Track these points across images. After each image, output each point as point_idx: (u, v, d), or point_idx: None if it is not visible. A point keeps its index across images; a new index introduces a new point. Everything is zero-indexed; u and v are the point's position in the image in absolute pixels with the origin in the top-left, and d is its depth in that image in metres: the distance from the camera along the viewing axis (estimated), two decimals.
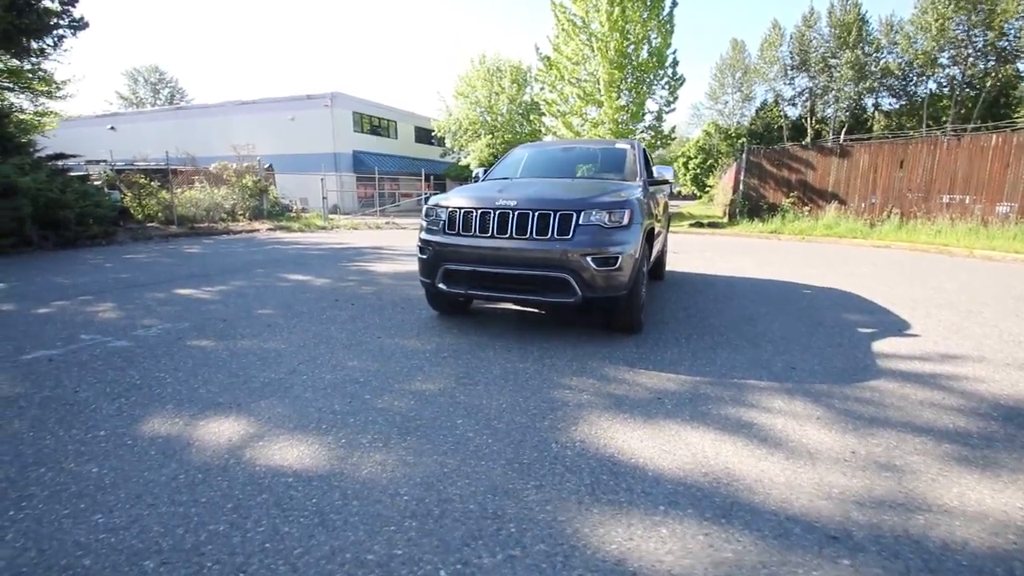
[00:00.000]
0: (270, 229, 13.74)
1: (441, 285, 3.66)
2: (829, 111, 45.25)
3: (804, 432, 2.26)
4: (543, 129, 20.26)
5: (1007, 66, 37.09)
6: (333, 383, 2.76)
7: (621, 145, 4.97)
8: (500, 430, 2.23)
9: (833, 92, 44.17)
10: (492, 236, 3.43)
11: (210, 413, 2.37)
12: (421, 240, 3.80)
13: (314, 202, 18.92)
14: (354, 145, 26.59)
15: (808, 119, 44.78)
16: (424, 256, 3.74)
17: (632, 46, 17.04)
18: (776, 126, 46.29)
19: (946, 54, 38.42)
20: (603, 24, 16.47)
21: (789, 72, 45.11)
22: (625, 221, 3.36)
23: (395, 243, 10.93)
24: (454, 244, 3.55)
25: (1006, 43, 36.08)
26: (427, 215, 3.86)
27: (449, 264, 3.57)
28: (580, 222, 3.29)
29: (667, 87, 18.25)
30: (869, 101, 43.40)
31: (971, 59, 38.16)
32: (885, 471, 1.95)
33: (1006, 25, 35.67)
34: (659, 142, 18.86)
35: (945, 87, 40.52)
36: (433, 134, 29.77)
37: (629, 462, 1.98)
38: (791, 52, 44.40)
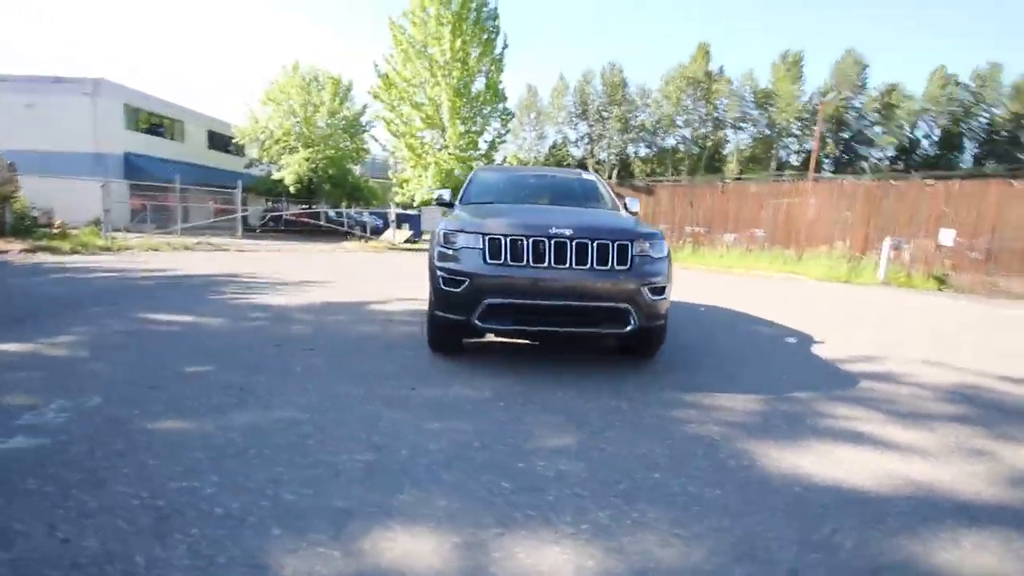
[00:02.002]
0: (26, 250, 10.05)
1: (478, 321, 3.23)
2: (604, 155, 53.75)
3: (896, 433, 2.66)
4: (384, 148, 19.42)
5: (719, 132, 49.52)
6: (453, 454, 2.19)
7: (587, 176, 5.14)
8: (704, 478, 2.08)
9: (606, 139, 52.73)
10: (549, 267, 3.19)
11: (367, 529, 1.65)
12: (447, 271, 3.30)
13: (65, 214, 14.53)
14: (126, 145, 21.28)
15: (589, 160, 52.43)
16: (456, 289, 3.25)
17: (470, 77, 17.69)
18: (565, 164, 52.92)
19: (681, 118, 49.47)
20: (444, 53, 16.74)
21: (573, 118, 52.41)
22: (665, 252, 3.48)
23: (243, 268, 9.07)
24: (502, 276, 3.18)
25: (718, 114, 48.30)
26: (447, 242, 3.38)
27: (494, 298, 3.17)
28: (634, 252, 3.29)
29: (500, 120, 19.37)
30: (632, 149, 52.97)
31: (696, 123, 49.88)
32: (981, 455, 2.43)
33: (718, 101, 47.79)
34: None
35: (681, 143, 51.93)
36: (233, 141, 25.74)
37: (859, 488, 2.05)
38: (575, 102, 51.72)
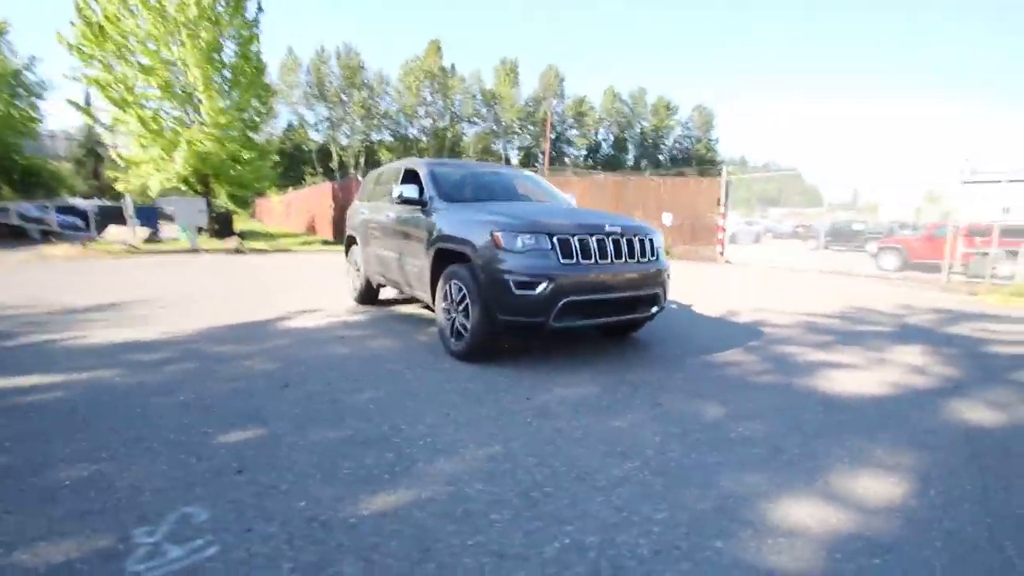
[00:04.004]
0: None
1: (553, 322, 3.27)
2: (346, 140, 51.45)
3: (834, 357, 3.94)
4: (95, 119, 14.32)
5: (456, 125, 53.01)
6: (682, 445, 2.37)
7: (529, 173, 5.30)
8: (832, 411, 2.83)
9: (348, 124, 50.56)
10: (612, 262, 3.44)
11: (770, 511, 1.78)
12: (521, 273, 3.20)
13: None
14: None
15: (332, 146, 49.43)
16: (532, 292, 3.20)
17: (224, 40, 14.81)
18: (306, 148, 48.63)
19: (423, 109, 51.09)
20: (187, 6, 13.52)
21: (310, 99, 48.33)
22: (661, 242, 4.11)
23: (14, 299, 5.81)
24: (579, 274, 3.29)
25: (455, 109, 51.58)
26: (508, 245, 3.26)
27: (571, 296, 3.27)
28: (655, 244, 3.82)
29: (259, 98, 16.80)
30: (376, 137, 52.15)
31: (436, 116, 52.26)
32: (889, 362, 3.86)
33: (454, 97, 50.96)
34: (250, 154, 17.05)
35: (423, 134, 53.65)
36: None
37: (886, 395, 3.10)
38: (309, 82, 47.66)
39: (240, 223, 28.34)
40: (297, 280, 7.96)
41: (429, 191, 4.27)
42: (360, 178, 17.16)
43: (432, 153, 52.51)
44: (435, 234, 3.88)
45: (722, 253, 14.60)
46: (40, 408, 2.66)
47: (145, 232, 14.99)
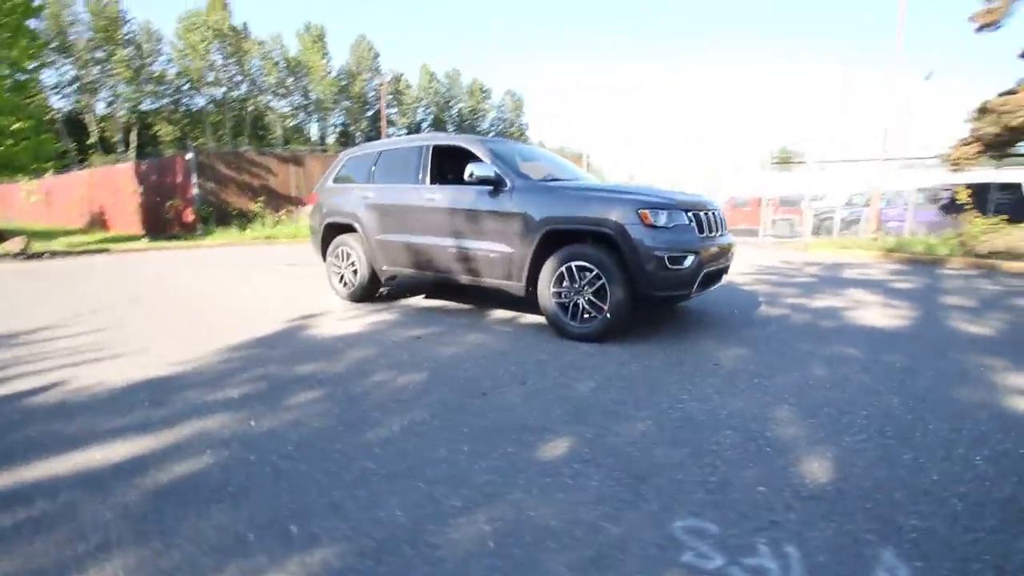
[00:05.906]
0: None
1: (694, 293, 3.51)
2: (112, 109, 41.30)
3: (824, 300, 4.96)
4: None
5: (258, 96, 46.57)
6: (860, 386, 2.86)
7: (548, 151, 5.20)
8: (891, 349, 3.64)
9: (109, 89, 40.58)
10: (720, 235, 3.78)
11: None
12: (671, 248, 3.32)
13: None
14: None
15: (87, 116, 39.03)
16: (682, 266, 3.36)
17: None
18: (46, 118, 37.29)
19: (212, 75, 43.51)
20: None
21: (49, 54, 37.00)
22: None
23: None
24: (711, 246, 3.56)
25: (255, 78, 45.11)
26: (654, 221, 3.34)
27: (709, 267, 3.53)
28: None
29: (27, 49, 12.54)
30: (151, 105, 42.77)
31: (230, 84, 45.10)
32: (865, 303, 5.01)
33: (252, 62, 44.50)
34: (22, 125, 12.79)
35: (213, 104, 45.83)
36: None
37: (900, 326, 4.08)
38: (44, 31, 36.39)
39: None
40: (186, 287, 6.44)
41: (501, 171, 3.99)
42: (187, 156, 14.27)
43: (229, 127, 45.48)
44: (539, 215, 3.68)
45: None
46: (198, 485, 1.88)
47: None
